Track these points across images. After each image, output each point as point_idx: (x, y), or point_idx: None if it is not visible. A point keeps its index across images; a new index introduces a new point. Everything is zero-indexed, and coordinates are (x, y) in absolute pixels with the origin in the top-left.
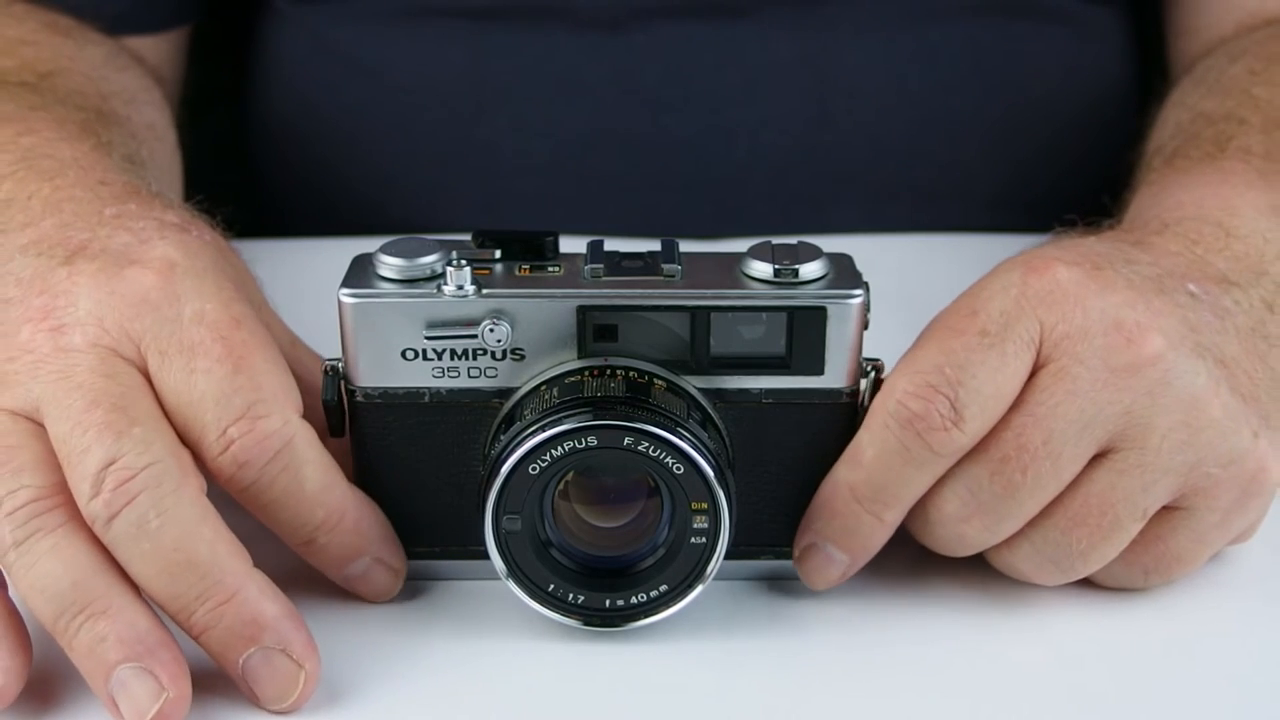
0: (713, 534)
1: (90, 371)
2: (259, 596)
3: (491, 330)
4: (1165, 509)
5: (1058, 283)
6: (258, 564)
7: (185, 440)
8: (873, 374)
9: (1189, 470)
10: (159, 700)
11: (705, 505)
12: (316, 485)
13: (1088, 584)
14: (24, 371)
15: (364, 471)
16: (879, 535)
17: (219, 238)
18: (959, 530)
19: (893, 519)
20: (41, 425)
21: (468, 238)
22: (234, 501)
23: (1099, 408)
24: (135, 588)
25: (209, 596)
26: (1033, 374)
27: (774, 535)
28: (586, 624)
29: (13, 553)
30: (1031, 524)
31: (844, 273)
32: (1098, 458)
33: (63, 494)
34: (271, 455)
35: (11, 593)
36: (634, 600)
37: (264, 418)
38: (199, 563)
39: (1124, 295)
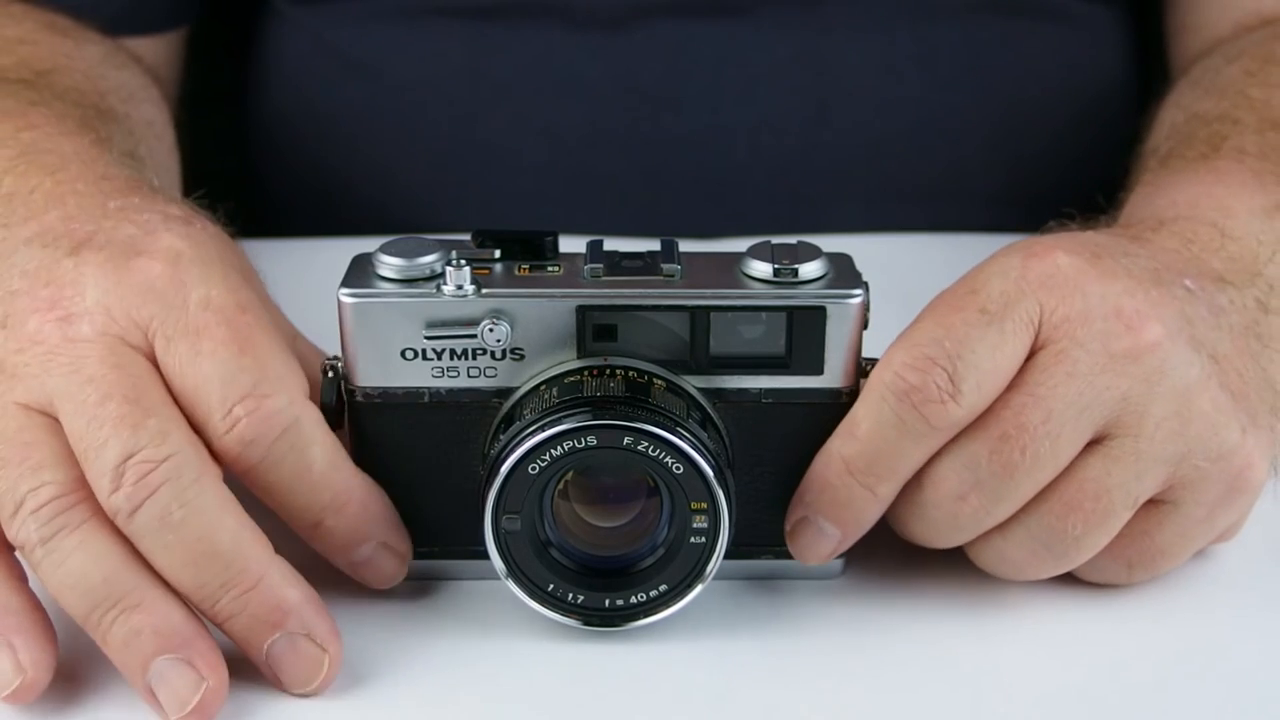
0: (712, 534)
1: (100, 362)
2: (282, 583)
3: (491, 330)
4: (1151, 503)
5: (1058, 268)
6: None
7: (192, 423)
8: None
9: (1179, 461)
10: (199, 690)
11: (705, 505)
12: (323, 465)
13: (1085, 585)
14: (35, 364)
15: (364, 471)
16: (872, 510)
17: (221, 231)
18: (954, 510)
19: (886, 493)
20: (56, 419)
21: (468, 238)
22: (245, 492)
23: (1097, 391)
24: (162, 579)
25: (233, 585)
26: (1031, 356)
27: (774, 535)
28: (586, 624)
29: (39, 550)
30: (1025, 510)
31: (844, 273)
32: (1091, 444)
33: (84, 489)
34: (278, 434)
35: (32, 584)
36: (634, 600)
37: (269, 396)
38: (222, 552)
39: (1124, 284)
